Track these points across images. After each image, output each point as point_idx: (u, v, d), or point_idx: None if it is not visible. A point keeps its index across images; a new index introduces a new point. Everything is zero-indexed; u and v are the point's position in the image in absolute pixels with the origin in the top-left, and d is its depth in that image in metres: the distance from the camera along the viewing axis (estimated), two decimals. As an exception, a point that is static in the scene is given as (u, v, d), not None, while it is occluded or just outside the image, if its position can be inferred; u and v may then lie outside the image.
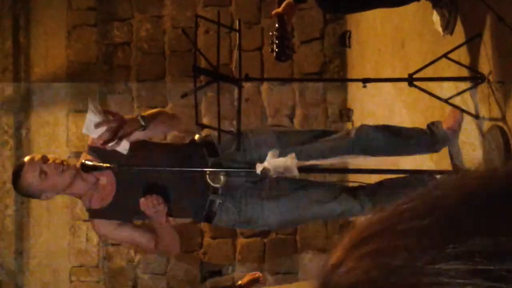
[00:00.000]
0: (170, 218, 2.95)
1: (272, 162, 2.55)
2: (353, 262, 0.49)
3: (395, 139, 2.99)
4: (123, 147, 2.70)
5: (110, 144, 2.66)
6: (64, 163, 2.83)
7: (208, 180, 2.81)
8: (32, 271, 5.52)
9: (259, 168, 2.58)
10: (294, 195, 2.89)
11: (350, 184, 3.12)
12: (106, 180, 2.85)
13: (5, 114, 5.55)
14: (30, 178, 2.78)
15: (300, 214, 2.91)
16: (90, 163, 2.68)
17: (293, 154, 2.57)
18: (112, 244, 5.37)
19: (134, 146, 2.77)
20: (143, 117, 2.77)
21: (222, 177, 2.82)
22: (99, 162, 2.72)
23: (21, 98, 5.56)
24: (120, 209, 2.85)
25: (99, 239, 5.37)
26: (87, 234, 5.42)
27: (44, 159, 2.80)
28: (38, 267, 5.51)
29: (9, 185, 5.51)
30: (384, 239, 0.49)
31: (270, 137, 2.98)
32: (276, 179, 2.64)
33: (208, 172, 2.81)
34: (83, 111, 5.54)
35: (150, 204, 2.70)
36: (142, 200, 2.71)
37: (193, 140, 2.96)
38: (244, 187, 2.88)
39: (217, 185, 2.83)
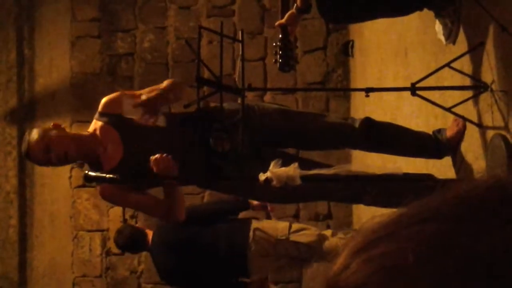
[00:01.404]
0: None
1: (275, 171, 2.55)
2: (359, 265, 0.49)
3: (399, 137, 2.99)
4: (162, 120, 2.85)
5: (151, 120, 2.79)
6: (69, 135, 2.91)
7: (212, 146, 2.82)
8: (35, 282, 5.51)
9: (261, 177, 2.58)
10: (299, 159, 2.90)
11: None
12: (112, 145, 2.89)
13: (9, 124, 5.57)
14: (36, 155, 2.85)
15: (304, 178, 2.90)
16: (93, 174, 2.70)
17: (296, 164, 2.57)
18: (115, 254, 5.37)
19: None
20: (165, 92, 2.86)
21: (226, 143, 2.83)
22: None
23: (25, 109, 5.58)
24: (126, 174, 2.86)
25: (102, 247, 5.37)
26: (90, 244, 5.42)
27: (48, 135, 2.84)
28: (41, 277, 5.51)
29: (12, 195, 5.52)
30: (390, 243, 0.49)
31: (275, 110, 3.02)
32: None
33: (212, 137, 2.82)
34: (87, 121, 5.56)
35: (159, 160, 2.70)
36: (152, 157, 2.71)
37: (199, 108, 2.97)
38: (247, 152, 2.90)
39: (221, 150, 2.83)
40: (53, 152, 2.81)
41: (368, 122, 2.98)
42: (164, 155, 2.70)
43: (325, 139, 3.00)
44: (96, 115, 2.97)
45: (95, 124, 2.94)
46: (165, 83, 2.93)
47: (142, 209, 3.21)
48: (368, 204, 3.12)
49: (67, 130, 3.03)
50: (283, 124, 2.95)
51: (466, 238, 0.47)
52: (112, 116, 2.90)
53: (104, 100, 2.97)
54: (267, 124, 2.93)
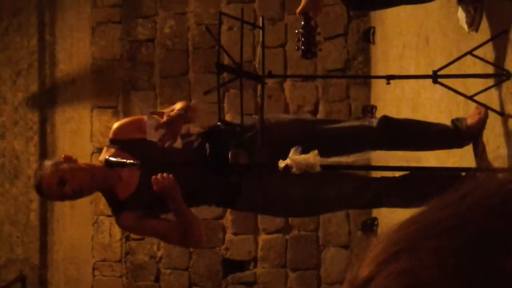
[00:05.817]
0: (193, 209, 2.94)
1: (295, 159, 2.55)
2: (384, 279, 0.48)
3: (418, 131, 2.97)
4: (179, 142, 2.77)
5: (170, 142, 2.70)
6: (82, 168, 2.84)
7: (231, 161, 2.82)
8: (56, 266, 5.57)
9: (281, 164, 2.58)
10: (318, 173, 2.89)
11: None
12: (128, 171, 2.87)
13: (30, 110, 5.61)
14: (50, 189, 2.81)
15: (324, 192, 2.89)
16: (113, 159, 2.71)
17: (316, 151, 2.57)
18: (135, 239, 5.41)
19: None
20: (185, 112, 2.79)
21: (243, 158, 2.83)
22: (121, 154, 2.78)
23: (46, 95, 5.62)
24: (143, 200, 2.86)
25: (122, 233, 5.41)
26: (110, 229, 5.46)
27: (61, 169, 2.79)
28: (61, 261, 5.57)
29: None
30: (415, 256, 0.47)
31: (290, 120, 3.02)
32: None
33: (230, 152, 2.81)
34: (107, 107, 5.60)
35: (160, 179, 2.71)
36: (153, 177, 2.72)
37: (215, 125, 2.96)
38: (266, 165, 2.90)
39: (239, 165, 2.83)
40: (67, 186, 2.77)
41: (386, 121, 2.96)
42: (165, 174, 2.70)
43: (344, 142, 2.95)
44: (108, 143, 2.95)
45: (107, 152, 2.89)
46: (179, 105, 2.88)
47: (160, 236, 3.10)
48: (389, 206, 3.13)
49: (80, 162, 2.91)
50: (300, 132, 2.91)
51: (497, 252, 0.45)
52: (124, 142, 2.87)
53: (114, 126, 2.95)
54: (284, 134, 2.90)
